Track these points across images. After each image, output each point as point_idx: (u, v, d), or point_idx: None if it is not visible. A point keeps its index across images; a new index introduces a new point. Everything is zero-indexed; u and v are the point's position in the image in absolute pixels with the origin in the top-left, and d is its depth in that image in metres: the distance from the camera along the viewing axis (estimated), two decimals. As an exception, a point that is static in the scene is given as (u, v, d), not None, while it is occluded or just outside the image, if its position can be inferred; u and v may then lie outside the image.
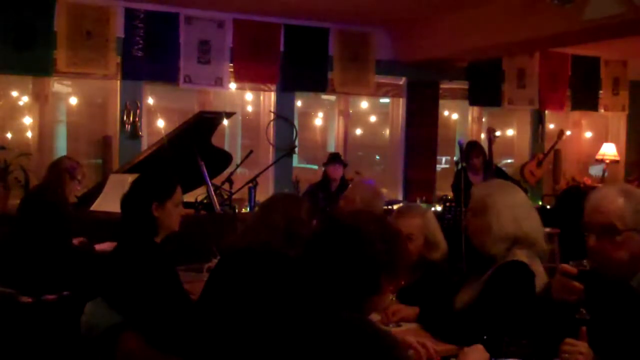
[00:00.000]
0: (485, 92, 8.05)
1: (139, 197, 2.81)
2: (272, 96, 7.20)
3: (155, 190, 2.82)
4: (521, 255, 2.61)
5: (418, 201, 7.22)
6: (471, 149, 6.77)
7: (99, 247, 4.45)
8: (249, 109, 7.43)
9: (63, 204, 4.60)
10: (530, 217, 2.70)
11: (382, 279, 1.74)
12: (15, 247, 4.52)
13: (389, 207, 6.36)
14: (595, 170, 9.00)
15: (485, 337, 2.14)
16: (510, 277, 2.57)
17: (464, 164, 6.25)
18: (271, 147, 7.09)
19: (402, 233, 1.89)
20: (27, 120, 6.33)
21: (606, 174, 8.70)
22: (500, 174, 6.92)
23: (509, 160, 8.81)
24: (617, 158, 8.80)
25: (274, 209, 2.67)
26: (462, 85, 8.03)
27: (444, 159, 8.57)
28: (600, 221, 2.07)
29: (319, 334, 1.66)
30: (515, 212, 2.65)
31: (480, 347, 2.09)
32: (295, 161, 7.51)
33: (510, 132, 8.62)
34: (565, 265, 2.08)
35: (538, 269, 2.64)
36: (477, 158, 6.74)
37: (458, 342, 2.39)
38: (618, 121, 9.27)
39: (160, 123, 6.85)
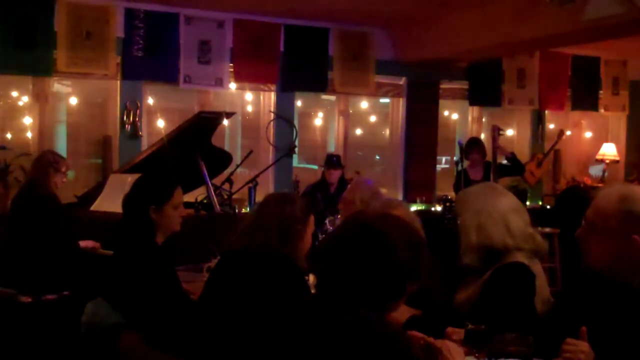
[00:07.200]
0: (485, 92, 8.05)
1: (137, 200, 2.82)
2: (272, 96, 7.19)
3: (153, 194, 2.82)
4: (521, 256, 2.61)
5: (418, 201, 7.23)
6: (472, 144, 6.81)
7: (83, 244, 4.47)
8: (249, 109, 7.42)
9: (51, 197, 4.62)
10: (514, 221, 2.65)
11: (407, 285, 1.78)
12: (13, 246, 4.53)
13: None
14: (595, 170, 8.99)
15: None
16: (510, 279, 2.57)
17: (464, 166, 6.26)
18: (271, 147, 7.08)
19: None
20: (27, 120, 6.33)
21: (606, 174, 8.69)
22: (503, 170, 6.91)
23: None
24: (617, 158, 8.79)
25: (266, 210, 2.69)
26: (462, 85, 8.03)
27: (444, 159, 8.56)
28: (588, 216, 2.18)
29: (334, 332, 1.67)
30: (481, 220, 2.63)
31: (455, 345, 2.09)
32: (295, 161, 7.51)
33: (510, 132, 8.61)
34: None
35: (538, 270, 2.64)
36: (478, 154, 6.78)
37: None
38: (618, 121, 9.26)
39: (160, 123, 6.85)
